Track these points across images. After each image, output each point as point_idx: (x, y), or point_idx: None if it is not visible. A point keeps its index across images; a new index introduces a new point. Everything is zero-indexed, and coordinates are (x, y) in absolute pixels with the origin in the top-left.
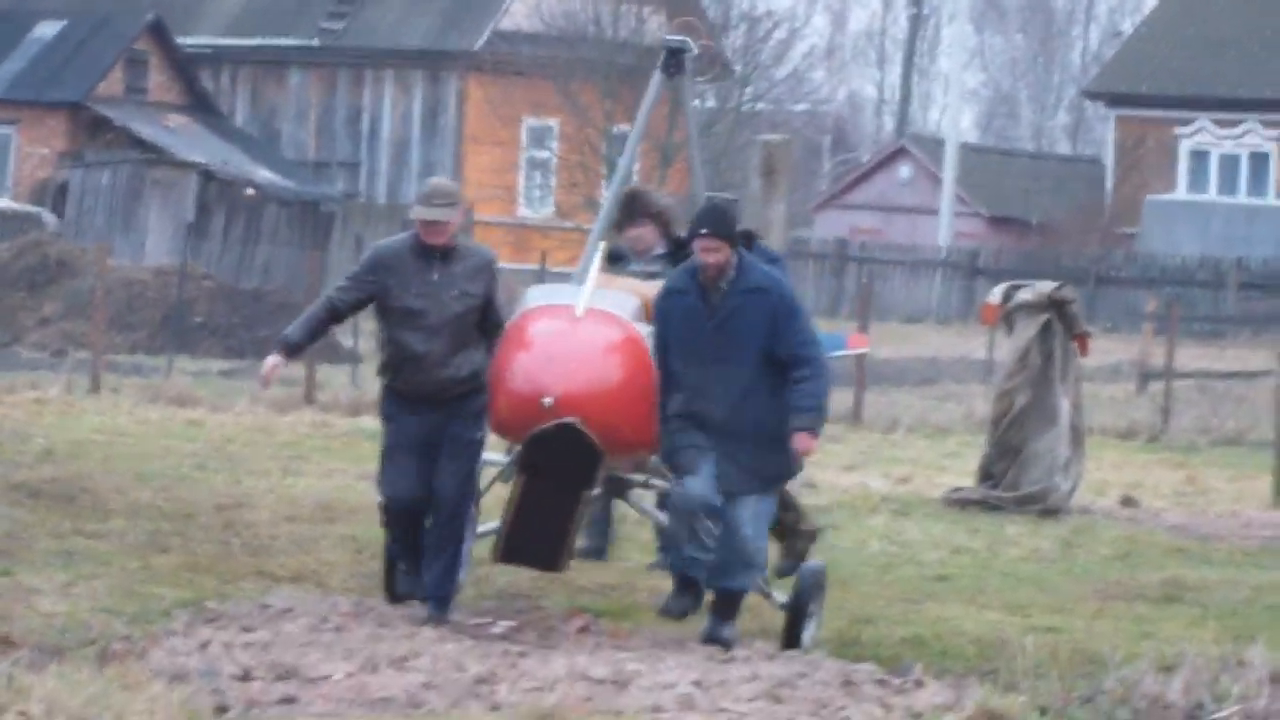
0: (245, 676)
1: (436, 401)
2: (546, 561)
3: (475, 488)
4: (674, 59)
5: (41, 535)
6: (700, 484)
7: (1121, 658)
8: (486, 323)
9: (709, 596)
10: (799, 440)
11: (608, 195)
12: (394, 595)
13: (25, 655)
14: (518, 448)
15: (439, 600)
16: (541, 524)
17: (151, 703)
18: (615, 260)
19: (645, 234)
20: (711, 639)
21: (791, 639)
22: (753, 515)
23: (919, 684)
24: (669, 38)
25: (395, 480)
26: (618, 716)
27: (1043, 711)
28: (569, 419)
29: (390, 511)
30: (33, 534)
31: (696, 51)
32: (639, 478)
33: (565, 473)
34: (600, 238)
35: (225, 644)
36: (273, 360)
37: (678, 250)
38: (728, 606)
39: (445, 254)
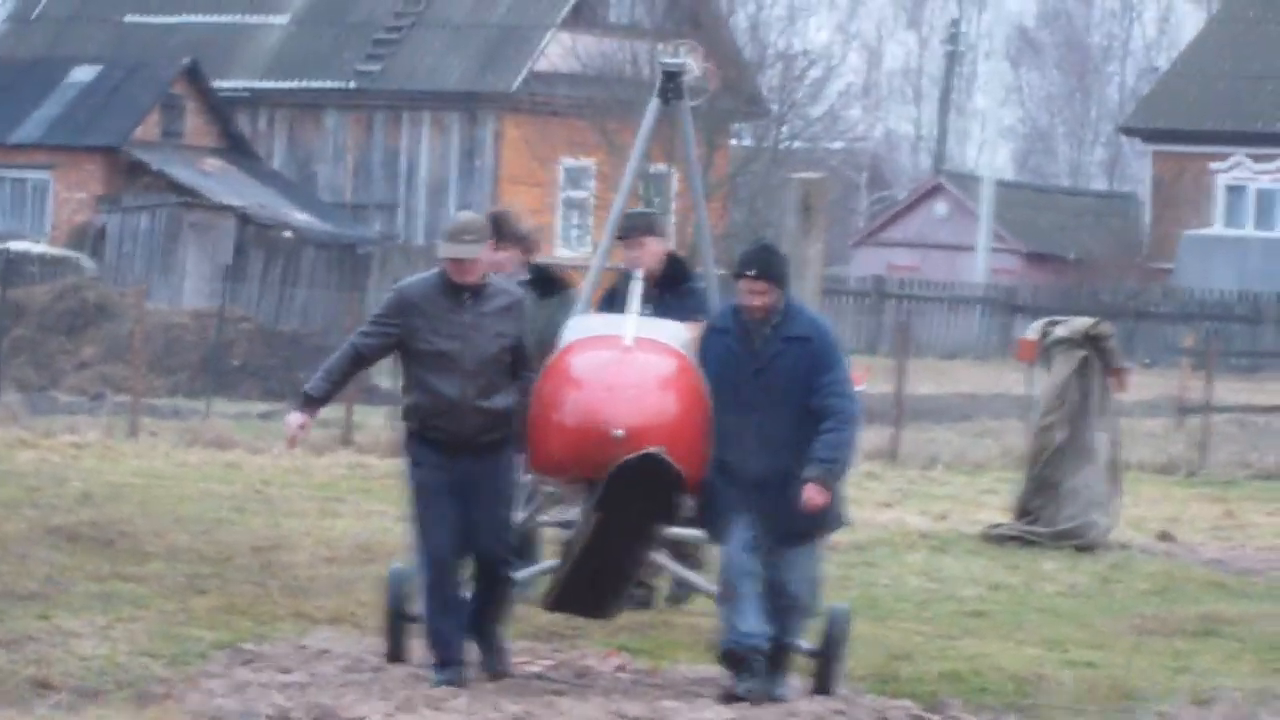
0: (282, 718)
1: (468, 447)
2: (599, 610)
3: (512, 534)
4: (671, 83)
5: (79, 578)
6: (739, 552)
7: (1158, 692)
8: (517, 362)
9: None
10: (808, 491)
11: (609, 224)
12: (397, 657)
13: (64, 698)
14: (542, 497)
15: (497, 651)
16: (604, 568)
17: None
18: None
19: (506, 258)
20: (765, 698)
21: (822, 686)
22: (799, 573)
23: (955, 718)
24: (665, 60)
25: (433, 533)
26: None
27: None
28: (653, 449)
29: (432, 568)
30: (71, 577)
31: (697, 74)
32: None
33: (645, 508)
34: (602, 265)
35: (262, 685)
36: (298, 419)
37: (538, 277)
38: (780, 658)
39: (476, 293)
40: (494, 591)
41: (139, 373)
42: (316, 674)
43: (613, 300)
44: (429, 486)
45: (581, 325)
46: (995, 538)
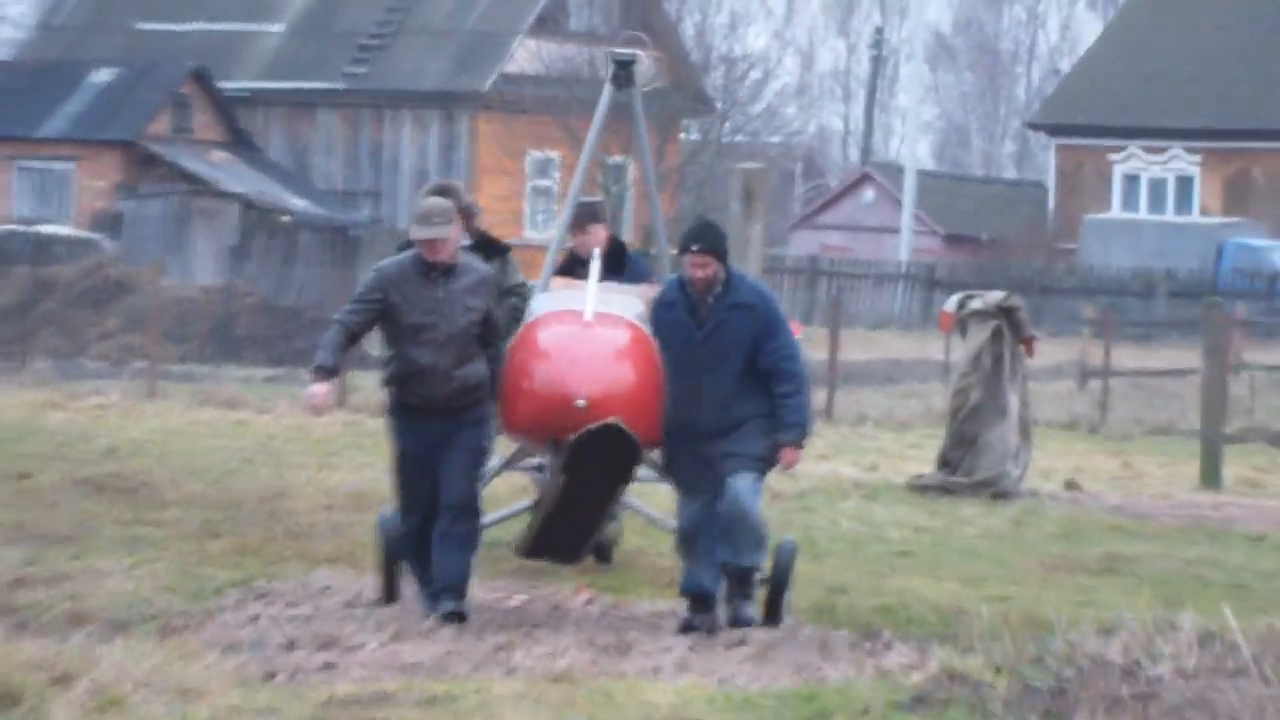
0: (290, 646)
1: (444, 411)
2: (569, 556)
3: (480, 488)
4: (623, 71)
5: (107, 524)
6: (696, 512)
7: (1066, 623)
8: (486, 334)
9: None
10: (786, 455)
11: (567, 203)
12: (392, 598)
13: (95, 629)
14: (515, 450)
15: (454, 590)
16: (573, 521)
17: (207, 671)
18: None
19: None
20: (738, 621)
21: (772, 611)
22: (751, 490)
23: (887, 647)
24: (617, 51)
25: (411, 498)
26: (622, 678)
27: (997, 670)
28: (612, 419)
29: (407, 529)
30: (99, 523)
31: (647, 64)
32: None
33: (606, 471)
34: (560, 246)
35: (272, 618)
36: (321, 389)
37: (480, 243)
38: (744, 585)
39: (447, 270)
40: (456, 528)
41: (156, 341)
42: (320, 608)
43: (570, 275)
44: (408, 456)
45: (547, 300)
46: (919, 487)
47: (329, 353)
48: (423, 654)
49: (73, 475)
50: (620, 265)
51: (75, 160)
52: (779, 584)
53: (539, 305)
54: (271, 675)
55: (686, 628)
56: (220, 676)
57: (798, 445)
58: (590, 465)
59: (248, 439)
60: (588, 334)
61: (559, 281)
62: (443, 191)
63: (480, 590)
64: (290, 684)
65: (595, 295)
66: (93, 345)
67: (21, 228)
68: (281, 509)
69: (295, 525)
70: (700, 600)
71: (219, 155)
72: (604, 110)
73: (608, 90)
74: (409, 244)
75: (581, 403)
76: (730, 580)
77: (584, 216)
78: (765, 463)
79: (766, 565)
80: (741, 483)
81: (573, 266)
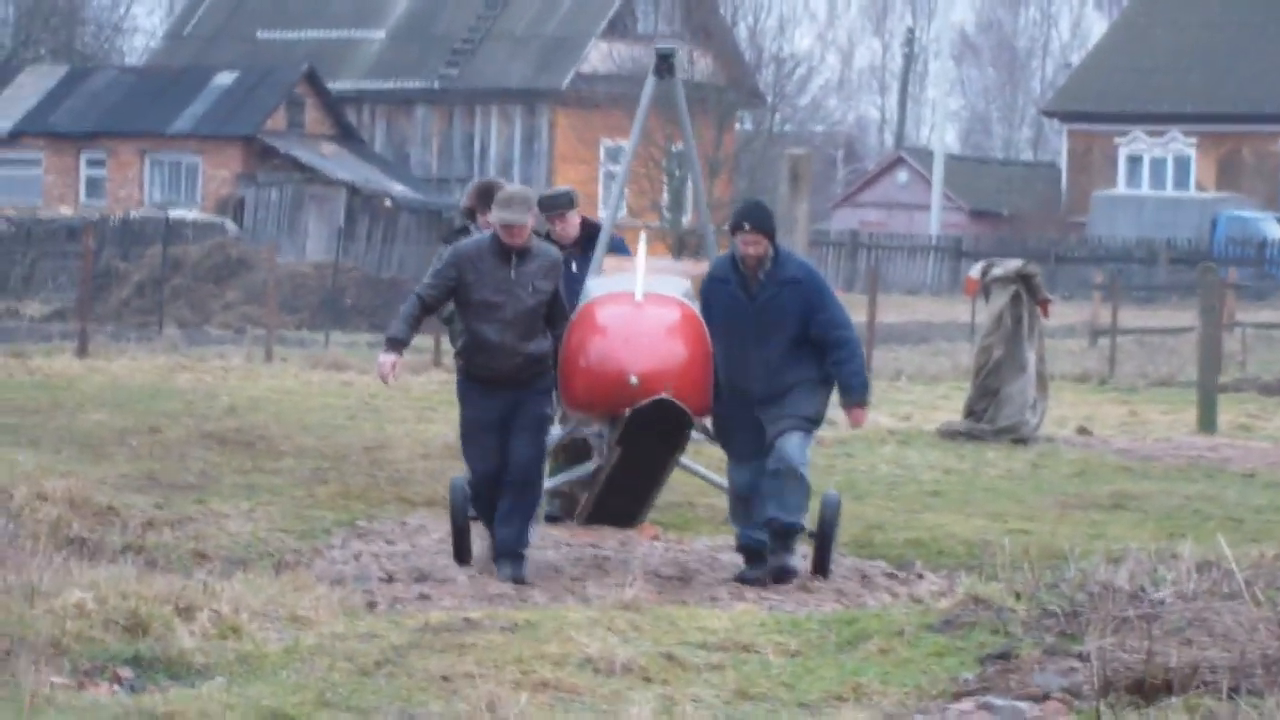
0: (390, 579)
1: (509, 384)
2: (626, 521)
3: (544, 455)
4: (664, 63)
5: (228, 473)
6: (749, 475)
7: (1079, 553)
8: (552, 314)
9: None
10: (854, 415)
11: (615, 185)
12: (465, 561)
13: (217, 566)
14: (578, 421)
15: (514, 558)
16: (629, 490)
17: (316, 601)
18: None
19: (561, 224)
20: (781, 572)
21: (820, 562)
22: (798, 446)
23: (919, 576)
24: (659, 45)
25: (478, 458)
26: (683, 606)
27: (1017, 596)
28: (664, 394)
29: (475, 484)
30: (221, 472)
31: (688, 53)
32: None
33: (659, 443)
34: (611, 229)
35: (373, 554)
36: (391, 359)
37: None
38: (788, 539)
39: (520, 254)
40: (519, 494)
41: (272, 312)
42: (416, 545)
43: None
44: (473, 423)
45: (601, 283)
46: (948, 434)
47: (403, 325)
48: (506, 587)
49: (198, 430)
50: (592, 242)
51: (201, 153)
52: (826, 536)
53: (593, 288)
54: (373, 605)
55: (741, 579)
56: (327, 606)
57: (862, 405)
58: (643, 438)
59: (352, 397)
60: (638, 314)
61: (611, 263)
62: (490, 188)
63: (558, 530)
64: (389, 613)
65: (644, 276)
66: (216, 315)
67: (154, 213)
68: (382, 458)
69: (394, 473)
70: (755, 554)
71: (328, 148)
72: (648, 98)
73: (650, 80)
74: (464, 228)
75: (634, 379)
76: (774, 535)
77: (558, 205)
78: (813, 423)
79: (812, 520)
80: (790, 442)
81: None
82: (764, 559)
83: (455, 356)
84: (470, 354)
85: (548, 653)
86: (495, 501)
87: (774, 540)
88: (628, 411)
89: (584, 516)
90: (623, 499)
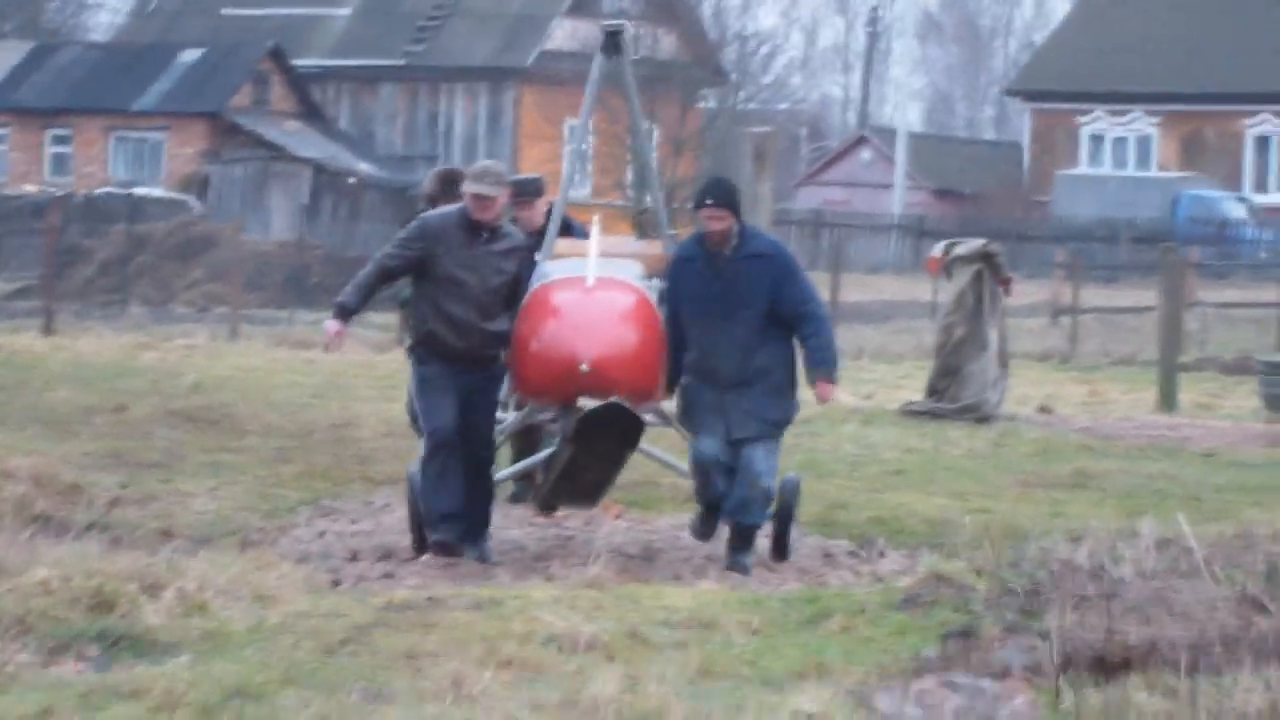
0: (354, 557)
1: (467, 360)
2: (584, 504)
3: (494, 438)
4: (612, 40)
5: (193, 451)
6: (710, 444)
7: (1040, 531)
8: (514, 296)
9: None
10: (821, 388)
11: (565, 164)
12: (423, 550)
13: (182, 543)
14: (524, 406)
15: (478, 538)
16: (581, 482)
17: (281, 579)
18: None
19: (526, 211)
20: (733, 567)
21: (779, 545)
22: (764, 457)
23: (882, 554)
24: (607, 23)
25: (436, 415)
26: (646, 584)
27: (978, 574)
28: (616, 399)
29: (434, 441)
30: (186, 450)
31: (631, 34)
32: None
33: (611, 443)
34: (561, 212)
35: (337, 533)
36: (335, 327)
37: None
38: (745, 539)
39: (490, 232)
40: (479, 483)
41: (237, 290)
42: (380, 524)
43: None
44: (432, 379)
45: (552, 266)
46: (910, 413)
47: (355, 292)
48: (471, 564)
49: (163, 408)
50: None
51: (165, 130)
52: (784, 520)
53: (545, 270)
54: (337, 583)
55: (694, 530)
56: (292, 584)
57: (830, 379)
58: (596, 438)
59: (318, 376)
60: (589, 299)
61: (563, 244)
62: (451, 174)
63: (522, 509)
64: (354, 591)
65: (596, 261)
66: (181, 294)
67: (119, 190)
68: (347, 436)
69: (359, 451)
70: (712, 509)
71: (293, 125)
72: (596, 76)
73: (598, 58)
74: (428, 205)
75: (585, 366)
76: (735, 533)
77: (526, 192)
78: (781, 426)
79: (773, 505)
80: (757, 456)
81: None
82: (715, 518)
83: (414, 329)
84: (431, 329)
85: (512, 630)
86: (451, 463)
87: (734, 538)
88: (577, 415)
89: (540, 503)
90: (579, 486)
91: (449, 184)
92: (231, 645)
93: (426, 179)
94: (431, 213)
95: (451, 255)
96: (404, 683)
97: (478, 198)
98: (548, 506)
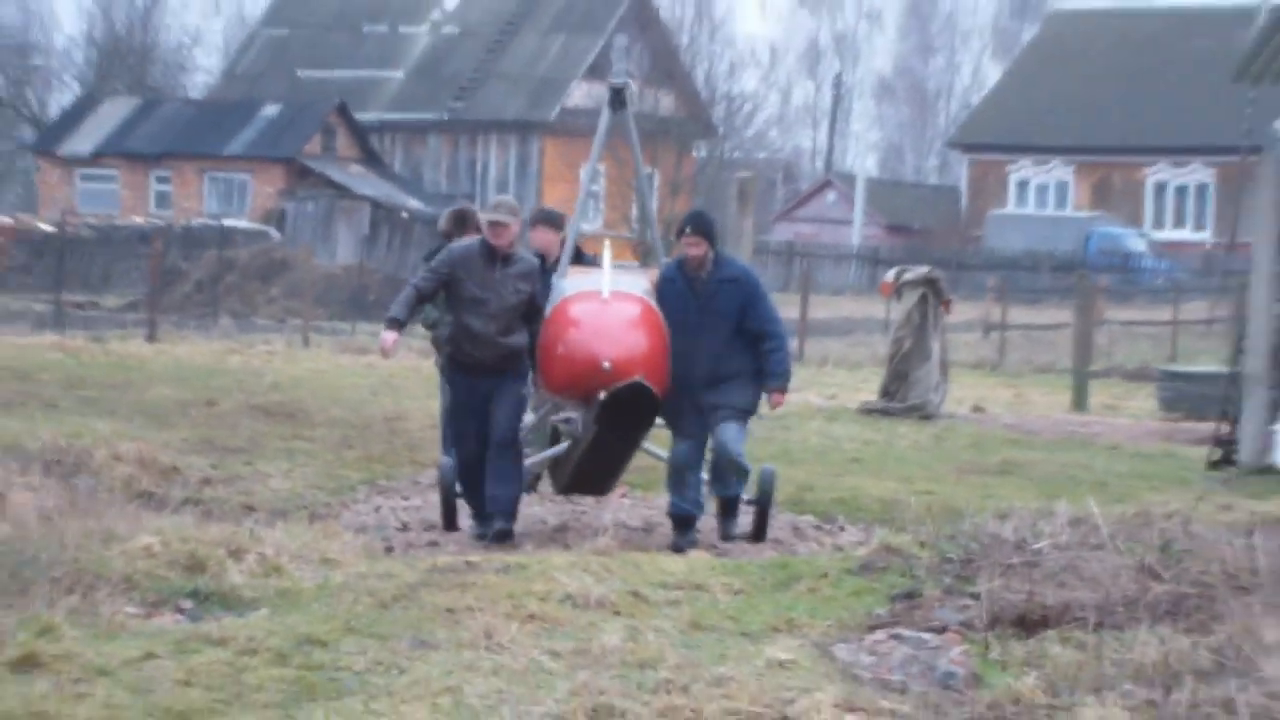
0: (404, 528)
1: (490, 370)
2: (600, 491)
3: (520, 424)
4: (617, 95)
5: (271, 439)
6: (687, 449)
7: (973, 510)
8: (530, 312)
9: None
10: (774, 398)
11: (578, 204)
12: (453, 528)
13: (262, 516)
14: (552, 407)
15: (506, 514)
16: (602, 464)
17: (343, 546)
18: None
19: (540, 236)
20: (725, 536)
21: (759, 528)
22: (735, 436)
23: (842, 529)
24: (612, 80)
25: (462, 442)
26: (646, 552)
27: (922, 545)
28: (638, 379)
29: (460, 468)
30: (265, 438)
31: (634, 91)
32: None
33: (631, 422)
34: (575, 241)
35: (390, 508)
36: (391, 335)
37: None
38: (730, 508)
39: (505, 258)
40: (501, 458)
41: (308, 305)
42: (426, 500)
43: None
44: (461, 408)
45: (570, 284)
46: (866, 411)
47: (400, 308)
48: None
49: (246, 403)
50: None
51: (250, 172)
52: (763, 506)
53: (564, 288)
54: (390, 549)
55: (675, 548)
56: (352, 550)
57: (782, 390)
58: (618, 417)
59: (374, 377)
60: (606, 309)
61: (575, 270)
62: (465, 214)
63: (543, 490)
64: (403, 556)
65: (609, 277)
66: (262, 308)
67: (211, 222)
68: (399, 427)
69: (409, 439)
70: (684, 522)
71: (355, 168)
72: (604, 129)
73: (606, 113)
74: (446, 238)
75: (607, 365)
76: (719, 506)
77: (554, 220)
78: (748, 413)
79: (752, 490)
80: (729, 431)
81: (541, 262)
82: (691, 526)
83: (445, 343)
84: (457, 342)
85: (535, 590)
86: (477, 485)
87: (720, 510)
88: (603, 395)
89: (561, 488)
90: (597, 473)
91: (460, 222)
92: (302, 601)
93: (442, 218)
94: (457, 243)
95: (473, 279)
96: (445, 633)
97: (494, 225)
98: (567, 490)
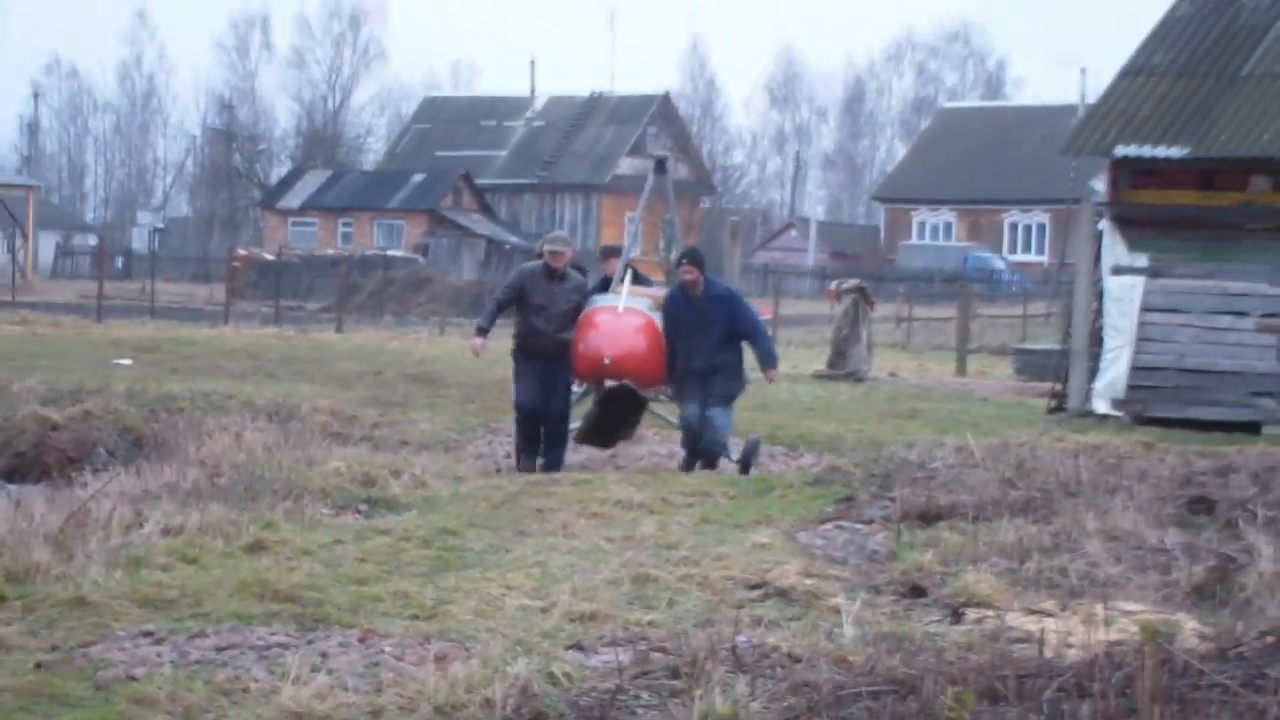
0: (508, 456)
1: (547, 357)
2: (604, 446)
3: (570, 408)
4: (660, 165)
5: (419, 396)
6: (691, 410)
7: (890, 442)
8: (578, 316)
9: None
10: (770, 375)
11: (626, 245)
12: (521, 469)
13: (412, 448)
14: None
15: (555, 468)
16: (608, 430)
17: (467, 468)
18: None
19: (610, 265)
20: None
21: (743, 470)
22: (721, 415)
23: (801, 454)
24: (657, 154)
25: (524, 395)
26: (669, 472)
27: (856, 466)
28: (626, 381)
29: (521, 413)
30: (415, 397)
31: (673, 161)
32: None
33: (623, 410)
34: (625, 268)
35: (499, 442)
36: (480, 340)
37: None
38: (712, 465)
39: (561, 276)
40: (555, 432)
41: (444, 308)
42: None
43: (605, 285)
44: (523, 371)
45: (598, 299)
46: (818, 376)
47: (485, 319)
48: (574, 461)
49: (402, 373)
50: (635, 280)
51: (404, 220)
52: (746, 464)
53: (594, 301)
54: (498, 470)
55: (683, 469)
56: (474, 471)
57: (774, 368)
58: (614, 405)
59: (488, 356)
60: (618, 319)
61: (620, 287)
62: (559, 237)
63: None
64: (507, 474)
65: (626, 297)
66: (413, 309)
67: (378, 252)
68: (506, 389)
69: (511, 397)
70: (688, 464)
71: (475, 216)
72: (649, 187)
73: (651, 176)
74: (539, 256)
75: (608, 360)
76: (704, 464)
77: (613, 252)
78: (733, 398)
79: (736, 455)
80: (717, 420)
81: (606, 282)
82: (691, 466)
83: (513, 336)
84: (524, 337)
85: (596, 496)
86: (534, 432)
87: (703, 464)
88: (603, 388)
89: (578, 440)
90: (599, 434)
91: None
92: (439, 504)
93: (538, 245)
94: (526, 264)
95: (536, 291)
96: (535, 525)
97: (552, 253)
98: (582, 441)
